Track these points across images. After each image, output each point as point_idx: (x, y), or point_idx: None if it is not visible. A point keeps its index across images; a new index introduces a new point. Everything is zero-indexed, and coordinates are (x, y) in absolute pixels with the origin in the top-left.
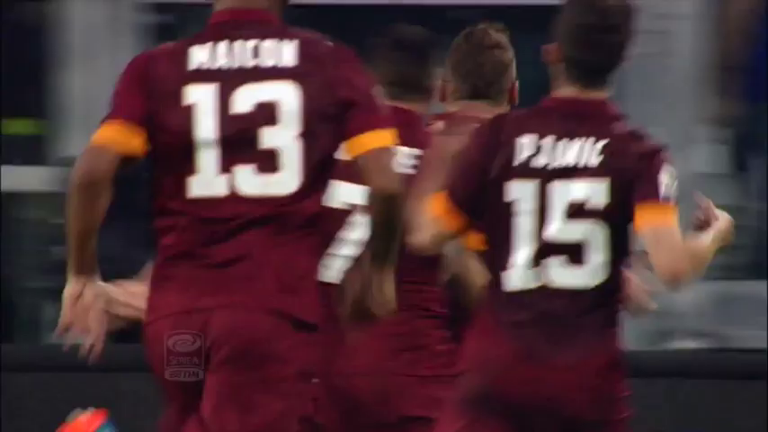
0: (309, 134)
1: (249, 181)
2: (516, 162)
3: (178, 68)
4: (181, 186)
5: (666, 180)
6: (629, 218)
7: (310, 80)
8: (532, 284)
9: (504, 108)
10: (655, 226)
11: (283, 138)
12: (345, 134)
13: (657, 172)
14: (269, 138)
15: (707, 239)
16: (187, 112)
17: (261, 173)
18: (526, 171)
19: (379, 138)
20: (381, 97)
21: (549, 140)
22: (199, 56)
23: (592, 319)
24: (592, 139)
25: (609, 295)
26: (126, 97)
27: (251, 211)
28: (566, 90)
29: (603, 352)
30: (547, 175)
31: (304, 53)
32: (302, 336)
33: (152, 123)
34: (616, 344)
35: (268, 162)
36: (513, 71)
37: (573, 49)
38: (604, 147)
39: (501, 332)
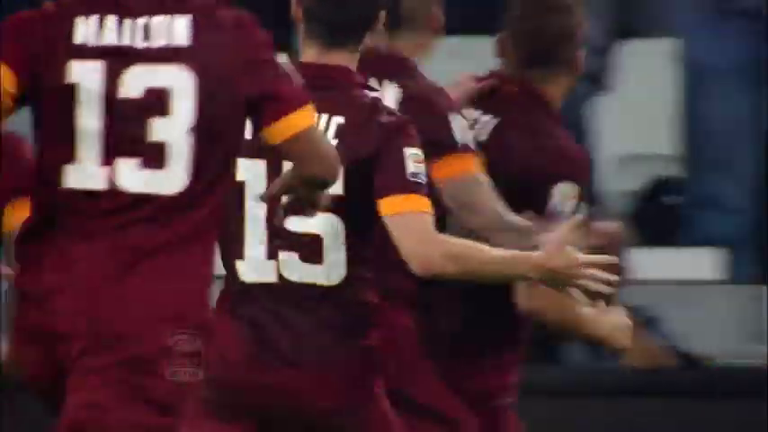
0: (205, 127)
1: (131, 176)
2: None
3: (63, 40)
4: (56, 174)
5: (411, 162)
6: (369, 206)
7: (207, 63)
8: (269, 278)
9: (566, 82)
10: (400, 213)
11: (173, 130)
12: (260, 124)
13: (400, 153)
14: (158, 129)
15: (499, 253)
16: (69, 92)
17: (145, 168)
18: (251, 149)
19: (298, 119)
20: (287, 68)
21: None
22: (84, 29)
23: (332, 319)
24: (327, 116)
25: (351, 292)
26: (9, 47)
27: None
28: (308, 52)
29: (346, 353)
30: (276, 158)
31: (198, 29)
32: None
33: (32, 97)
34: (363, 343)
35: (154, 156)
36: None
37: (313, 1)
38: (338, 127)
39: (236, 329)
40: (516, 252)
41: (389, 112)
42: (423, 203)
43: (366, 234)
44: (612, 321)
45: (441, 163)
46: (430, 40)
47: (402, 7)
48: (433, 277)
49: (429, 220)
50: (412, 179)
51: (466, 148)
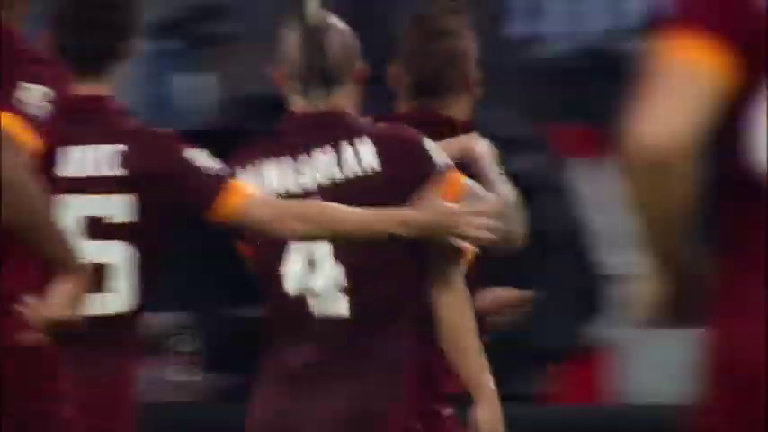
0: None
1: None
2: (59, 173)
3: None
4: None
5: (203, 161)
6: (160, 231)
7: None
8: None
9: (462, 106)
10: (239, 204)
11: None
12: None
13: (188, 161)
14: None
15: (361, 212)
16: None
17: None
18: (57, 184)
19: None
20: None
21: (67, 148)
22: None
23: (110, 350)
24: (102, 146)
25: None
26: None
27: None
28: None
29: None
30: (64, 188)
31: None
32: None
33: None
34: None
35: None
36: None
37: (64, 30)
38: (116, 155)
39: None
40: (382, 211)
41: (152, 130)
42: (242, 186)
43: (156, 261)
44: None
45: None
46: (358, 91)
47: (332, 66)
48: (287, 237)
49: (260, 193)
50: (219, 173)
51: (449, 168)
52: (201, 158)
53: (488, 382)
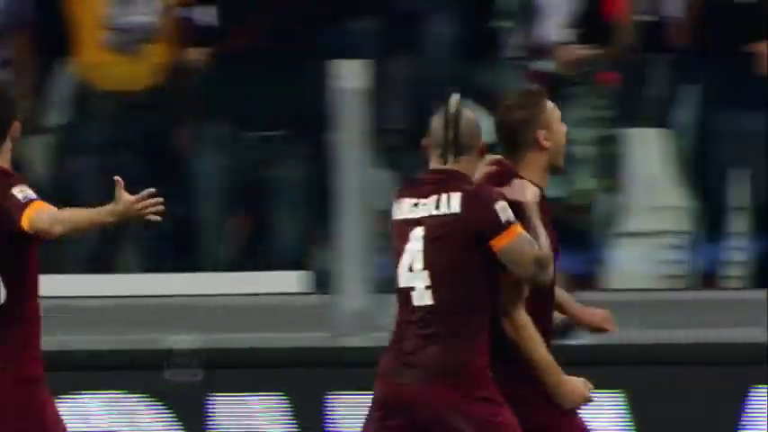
0: None
1: None
2: None
3: None
4: None
5: (18, 193)
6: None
7: None
8: None
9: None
10: (31, 215)
11: None
12: None
13: (10, 194)
14: None
15: (88, 211)
16: None
17: None
18: None
19: None
20: None
21: None
22: None
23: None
24: None
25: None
26: None
27: None
28: None
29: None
30: None
31: None
32: None
33: None
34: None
35: None
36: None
37: None
38: None
39: None
40: (99, 208)
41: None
42: (37, 204)
43: (18, 273)
44: (573, 384)
45: (498, 238)
46: (479, 161)
47: (461, 141)
48: (47, 235)
49: (48, 208)
50: (23, 199)
51: (508, 224)
52: (19, 191)
53: (557, 376)
